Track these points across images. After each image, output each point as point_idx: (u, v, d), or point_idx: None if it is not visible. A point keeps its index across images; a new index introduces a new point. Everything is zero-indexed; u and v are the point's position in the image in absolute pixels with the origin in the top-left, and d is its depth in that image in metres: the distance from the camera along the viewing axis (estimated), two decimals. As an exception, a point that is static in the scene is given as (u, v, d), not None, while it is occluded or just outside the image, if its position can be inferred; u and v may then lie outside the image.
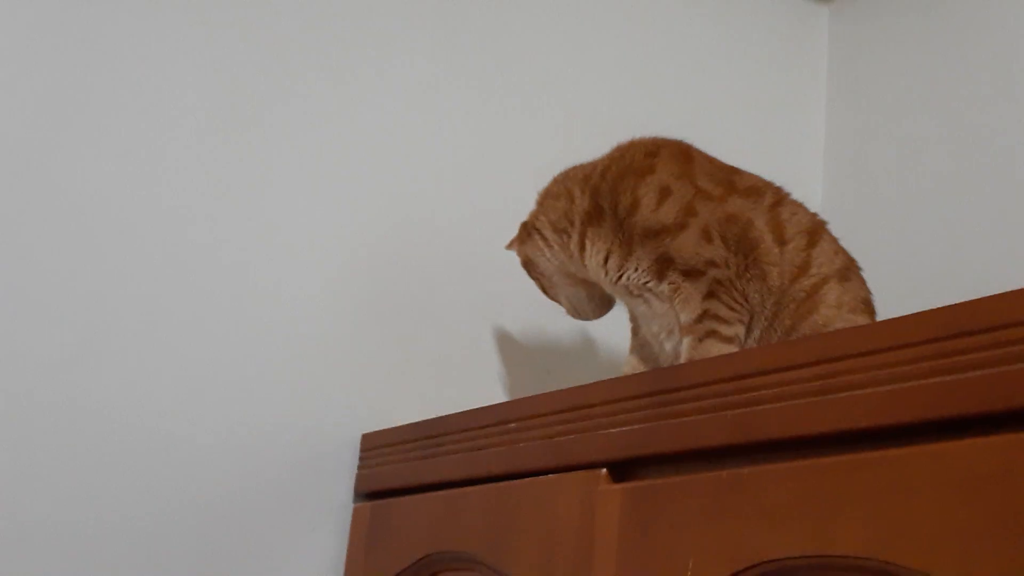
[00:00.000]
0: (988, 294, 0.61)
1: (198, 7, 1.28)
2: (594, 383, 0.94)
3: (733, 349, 0.98)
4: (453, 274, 1.36)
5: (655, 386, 0.85)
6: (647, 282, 1.05)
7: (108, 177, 1.21)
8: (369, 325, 1.31)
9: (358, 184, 1.34)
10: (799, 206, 1.09)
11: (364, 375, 1.29)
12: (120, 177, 1.22)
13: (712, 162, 1.12)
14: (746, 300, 1.01)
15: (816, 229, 1.06)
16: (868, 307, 1.05)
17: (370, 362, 1.30)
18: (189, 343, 1.22)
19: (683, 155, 1.11)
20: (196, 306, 1.23)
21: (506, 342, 1.38)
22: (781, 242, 1.03)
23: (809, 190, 1.60)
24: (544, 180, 1.19)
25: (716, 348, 0.98)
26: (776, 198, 1.08)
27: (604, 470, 0.88)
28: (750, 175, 1.10)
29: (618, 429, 0.88)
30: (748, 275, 1.02)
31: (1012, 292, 0.60)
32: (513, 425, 1.01)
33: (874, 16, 1.59)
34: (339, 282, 1.31)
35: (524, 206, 1.19)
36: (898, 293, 1.16)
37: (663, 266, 1.03)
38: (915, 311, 0.66)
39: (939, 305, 0.64)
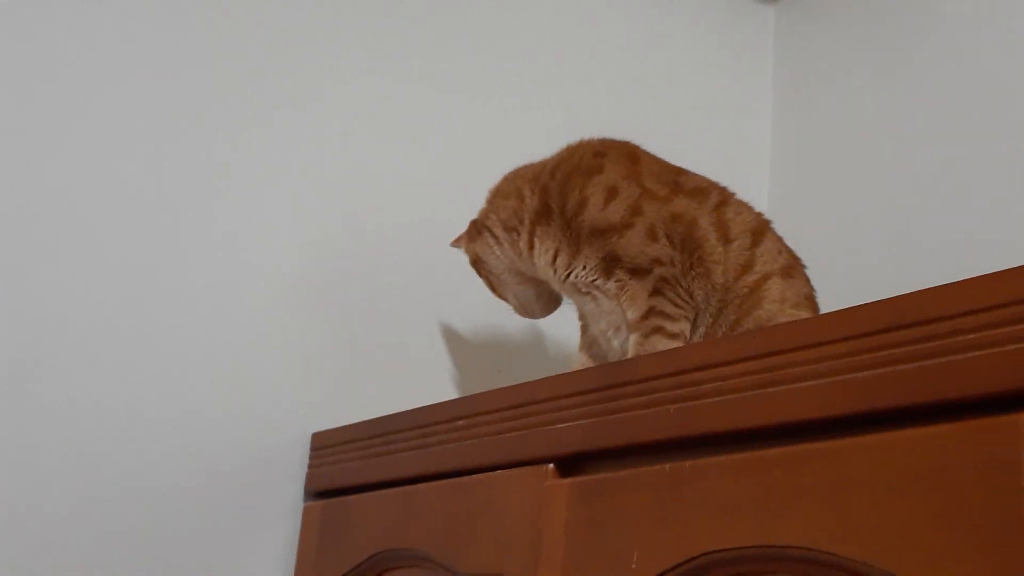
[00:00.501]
0: (934, 281, 0.63)
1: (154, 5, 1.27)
2: (541, 379, 0.95)
3: (679, 344, 0.99)
4: (402, 272, 1.37)
5: (601, 382, 0.86)
6: (595, 280, 1.06)
7: (60, 178, 1.20)
8: (318, 323, 1.31)
9: (308, 183, 1.33)
10: (744, 206, 1.10)
11: (314, 373, 1.29)
12: (73, 176, 1.21)
13: (659, 163, 1.13)
14: (691, 297, 1.02)
15: (760, 228, 1.08)
16: (811, 303, 1.06)
17: (320, 360, 1.30)
18: (137, 341, 1.21)
19: (630, 156, 1.12)
20: (145, 305, 1.22)
21: (456, 339, 1.38)
22: (726, 241, 1.05)
23: (756, 188, 1.62)
24: (487, 178, 1.19)
25: (662, 344, 0.99)
26: (721, 198, 1.09)
27: (552, 465, 0.89)
28: (696, 176, 1.12)
29: (565, 425, 0.88)
30: (693, 273, 1.03)
31: (946, 285, 0.61)
32: (462, 422, 1.02)
33: (819, 16, 1.61)
34: (288, 281, 1.30)
35: (472, 206, 1.20)
36: (844, 288, 1.18)
37: (610, 264, 1.04)
38: (858, 303, 0.67)
39: (881, 295, 0.66)
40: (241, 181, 1.30)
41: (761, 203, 1.61)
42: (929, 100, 1.40)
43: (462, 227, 1.20)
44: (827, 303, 1.18)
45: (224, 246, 1.27)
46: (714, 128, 1.62)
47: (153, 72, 1.27)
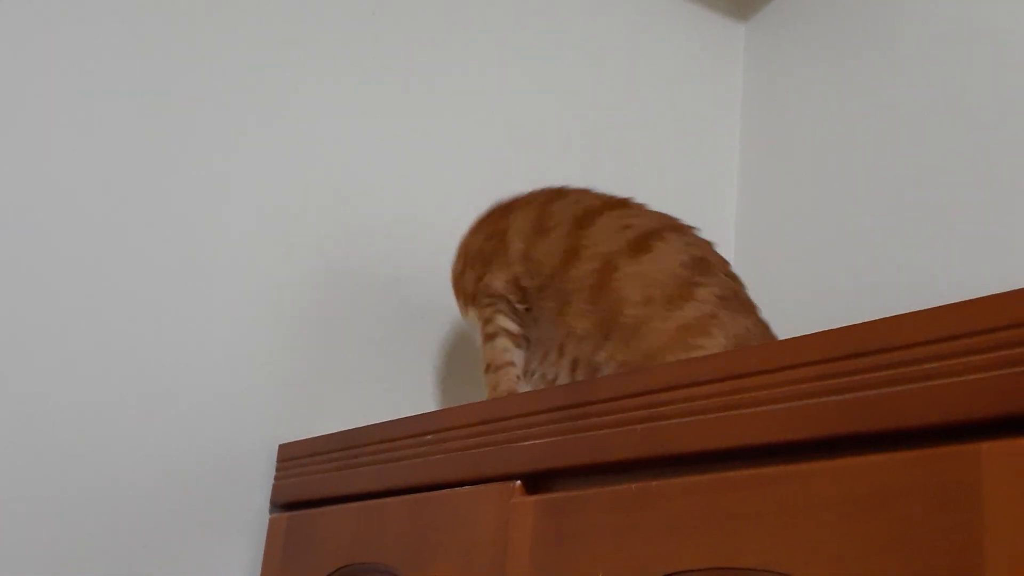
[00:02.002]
0: (900, 306, 0.64)
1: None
2: (510, 396, 0.95)
3: (501, 340, 1.03)
4: (372, 285, 1.37)
5: (568, 400, 0.86)
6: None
7: (25, 180, 1.20)
8: (286, 334, 1.31)
9: (279, 193, 1.33)
10: (587, 194, 1.10)
11: (281, 384, 1.29)
12: (38, 179, 1.20)
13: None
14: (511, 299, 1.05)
15: (587, 215, 1.04)
16: (687, 278, 0.98)
17: (288, 371, 1.30)
18: (101, 348, 1.21)
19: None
20: (111, 312, 1.22)
21: (425, 354, 1.38)
22: (540, 233, 1.05)
23: (723, 204, 1.63)
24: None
25: (489, 346, 1.02)
26: (549, 197, 1.10)
27: (518, 482, 0.89)
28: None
29: (532, 442, 0.89)
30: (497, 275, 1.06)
31: (907, 314, 0.62)
32: (429, 437, 1.02)
33: (789, 34, 1.63)
34: (257, 292, 1.30)
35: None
36: (810, 306, 1.20)
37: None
38: (827, 323, 0.68)
39: (852, 316, 0.66)
40: (213, 188, 1.29)
41: (728, 219, 1.64)
42: (897, 118, 1.42)
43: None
44: (793, 318, 1.20)
45: (193, 253, 1.27)
46: (683, 144, 1.63)
47: (128, 76, 1.26)
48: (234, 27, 1.33)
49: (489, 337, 1.10)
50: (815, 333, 0.67)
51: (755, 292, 1.48)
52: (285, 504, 1.24)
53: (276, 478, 1.26)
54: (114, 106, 1.25)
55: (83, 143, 1.23)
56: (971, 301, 0.59)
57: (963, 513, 0.56)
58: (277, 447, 1.27)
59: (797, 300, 1.38)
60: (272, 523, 1.24)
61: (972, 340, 0.58)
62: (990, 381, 0.57)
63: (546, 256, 1.01)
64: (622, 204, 1.08)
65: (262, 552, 1.24)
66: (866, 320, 0.65)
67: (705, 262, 0.97)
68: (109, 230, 1.23)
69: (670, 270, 0.96)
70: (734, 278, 1.02)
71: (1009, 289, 0.58)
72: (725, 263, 1.03)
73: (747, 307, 1.01)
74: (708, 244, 1.03)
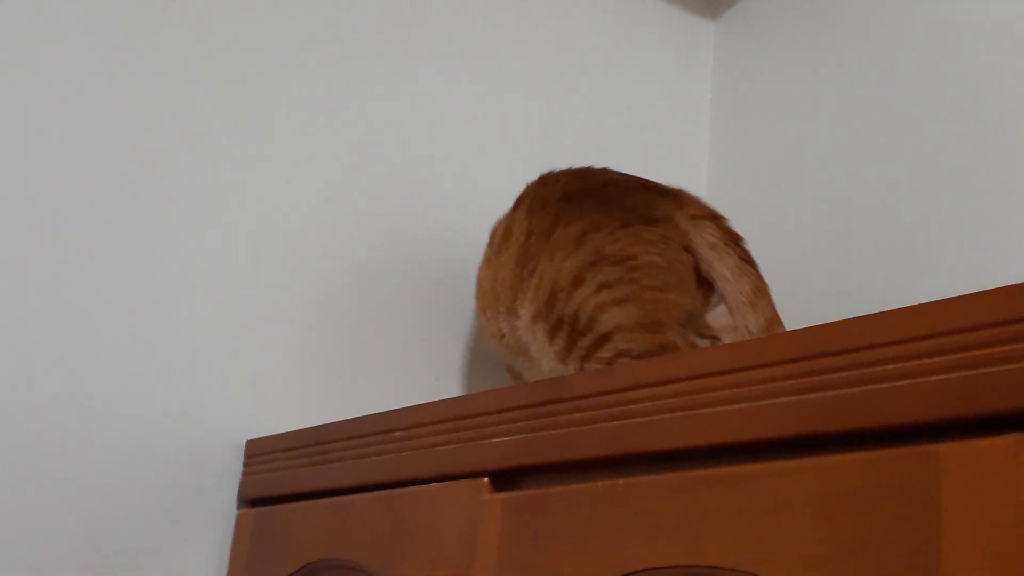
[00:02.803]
0: (871, 304, 0.65)
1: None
2: (479, 393, 0.96)
3: None
4: (341, 280, 1.37)
5: (538, 397, 0.87)
6: None
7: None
8: (255, 328, 1.30)
9: (243, 187, 1.33)
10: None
11: (249, 380, 1.29)
12: (10, 176, 1.20)
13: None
14: None
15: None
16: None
17: (256, 366, 1.29)
18: (66, 345, 1.20)
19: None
20: (77, 305, 1.21)
21: (395, 348, 1.38)
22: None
23: (694, 201, 1.64)
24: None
25: None
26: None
27: (487, 479, 0.90)
28: None
29: (501, 439, 0.89)
30: None
31: (872, 315, 0.63)
32: (399, 433, 1.02)
33: (759, 32, 1.64)
34: (224, 286, 1.30)
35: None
36: (779, 300, 1.20)
37: None
38: (799, 320, 0.69)
39: (821, 311, 0.67)
40: (181, 185, 1.29)
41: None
42: (865, 116, 1.43)
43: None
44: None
45: (162, 250, 1.26)
46: (653, 140, 1.64)
47: (111, 69, 1.25)
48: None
49: None
50: (780, 333, 0.68)
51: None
52: (252, 500, 1.24)
53: (243, 474, 1.26)
54: (97, 110, 1.24)
55: (62, 134, 1.22)
56: (932, 303, 0.60)
57: (922, 514, 0.57)
58: (245, 442, 1.27)
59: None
60: (239, 519, 1.24)
61: (933, 342, 0.59)
62: (950, 383, 0.58)
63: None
64: None
65: (229, 548, 1.24)
66: (833, 316, 0.66)
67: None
68: (84, 229, 1.22)
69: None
70: None
71: (975, 281, 0.59)
72: None
73: None
74: None
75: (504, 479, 0.89)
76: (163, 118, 1.28)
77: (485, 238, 1.27)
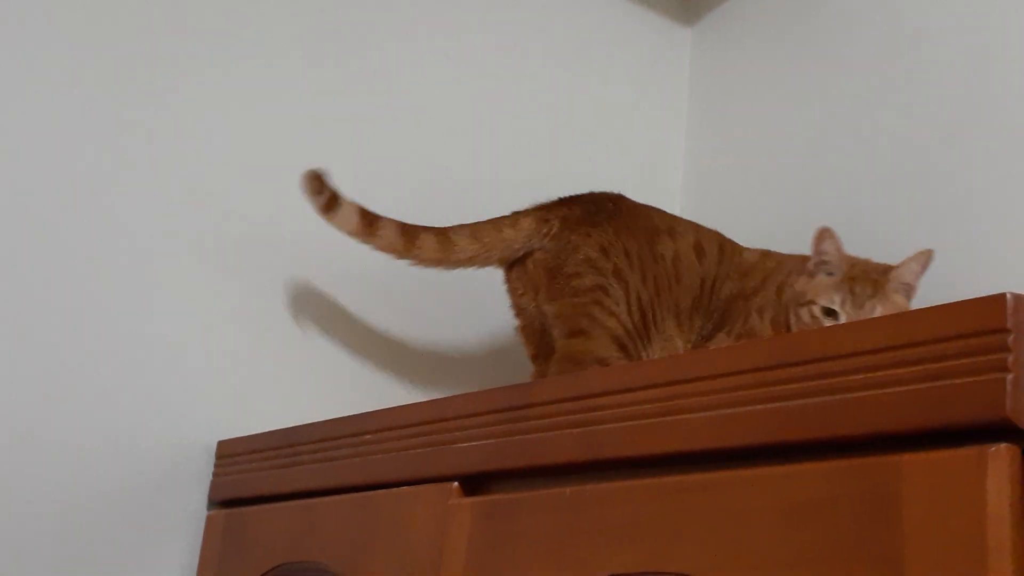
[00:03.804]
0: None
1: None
2: (449, 397, 0.96)
3: None
4: (314, 283, 1.36)
5: (508, 403, 0.87)
6: None
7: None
8: (226, 331, 1.30)
9: (217, 184, 1.32)
10: None
11: (221, 381, 1.28)
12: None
13: None
14: None
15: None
16: None
17: (228, 368, 1.29)
18: (38, 343, 1.19)
19: None
20: (47, 307, 1.20)
21: (368, 352, 1.38)
22: None
23: (668, 204, 1.65)
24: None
25: None
26: None
27: (456, 484, 0.90)
28: None
29: (470, 444, 0.89)
30: None
31: (837, 326, 0.64)
32: (369, 437, 1.02)
33: (735, 38, 1.65)
34: (196, 289, 1.29)
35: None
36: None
37: None
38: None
39: (779, 335, 0.68)
40: (150, 177, 1.28)
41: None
42: (841, 121, 1.44)
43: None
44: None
45: (127, 248, 1.26)
46: (630, 144, 1.65)
47: (68, 66, 1.25)
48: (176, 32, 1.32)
49: None
50: (745, 343, 0.69)
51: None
52: (223, 501, 1.24)
53: (214, 475, 1.25)
54: (50, 111, 1.24)
55: (36, 134, 1.22)
56: (896, 316, 0.60)
57: (884, 523, 0.57)
58: (216, 444, 1.26)
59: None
60: (210, 520, 1.24)
61: (897, 354, 0.59)
62: (913, 394, 0.58)
63: None
64: None
65: (199, 549, 1.24)
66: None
67: None
68: (46, 230, 1.22)
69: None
70: None
71: (944, 291, 0.59)
72: None
73: None
74: None
75: (474, 483, 0.89)
76: (138, 118, 1.28)
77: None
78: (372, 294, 1.39)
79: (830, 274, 1.12)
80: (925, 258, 1.11)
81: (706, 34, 1.70)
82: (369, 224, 1.17)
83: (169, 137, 1.30)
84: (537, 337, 1.19)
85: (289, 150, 1.37)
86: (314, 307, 1.36)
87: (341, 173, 1.43)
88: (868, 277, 1.11)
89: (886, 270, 1.12)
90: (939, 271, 1.12)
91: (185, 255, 1.29)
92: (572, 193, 1.22)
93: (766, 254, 1.25)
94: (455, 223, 1.21)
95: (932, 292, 1.10)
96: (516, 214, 1.19)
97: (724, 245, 1.24)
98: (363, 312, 1.38)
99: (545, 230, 1.17)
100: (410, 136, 1.47)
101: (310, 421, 1.13)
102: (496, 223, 1.18)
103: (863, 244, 1.35)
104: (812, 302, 1.10)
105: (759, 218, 1.53)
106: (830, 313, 1.09)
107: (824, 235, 1.14)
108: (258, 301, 1.33)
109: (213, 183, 1.32)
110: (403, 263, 1.21)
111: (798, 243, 1.45)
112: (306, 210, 1.37)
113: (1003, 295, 0.56)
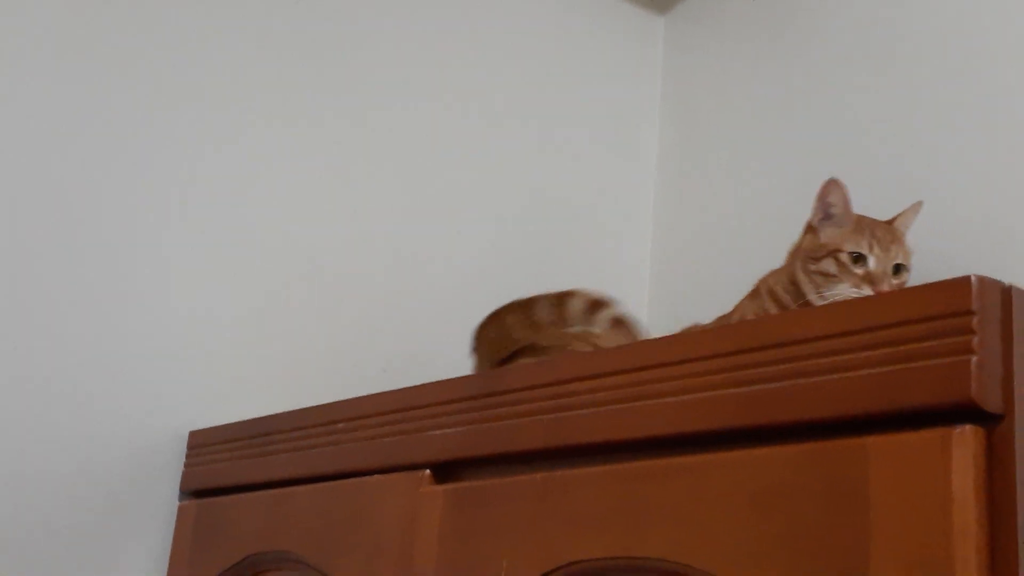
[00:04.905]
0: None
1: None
2: (421, 385, 0.96)
3: None
4: (286, 272, 1.36)
5: (479, 390, 0.87)
6: None
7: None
8: (197, 320, 1.29)
9: (188, 176, 1.32)
10: None
11: (193, 371, 1.28)
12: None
13: None
14: None
15: None
16: None
17: (199, 358, 1.29)
18: (8, 334, 1.18)
19: None
20: (18, 297, 1.19)
21: (341, 340, 1.38)
22: None
23: (642, 194, 1.65)
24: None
25: None
26: None
27: (428, 471, 0.90)
28: None
29: (442, 431, 0.89)
30: None
31: (801, 311, 0.64)
32: (341, 425, 1.02)
33: (707, 27, 1.65)
34: (169, 279, 1.28)
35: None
36: (727, 300, 1.22)
37: None
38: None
39: (746, 320, 0.68)
40: (127, 180, 1.27)
41: (647, 211, 1.66)
42: (815, 110, 1.45)
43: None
44: (708, 311, 1.22)
45: (97, 239, 1.25)
46: (603, 133, 1.65)
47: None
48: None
49: None
50: (712, 328, 0.69)
51: (671, 285, 1.50)
52: (195, 491, 1.23)
53: (186, 465, 1.25)
54: (40, 108, 1.23)
55: (17, 143, 1.21)
56: (860, 300, 0.61)
57: (851, 506, 0.58)
58: (188, 433, 1.26)
59: (713, 292, 1.40)
60: (181, 510, 1.23)
61: (860, 337, 0.60)
62: (877, 378, 0.59)
63: None
64: None
65: (171, 539, 1.23)
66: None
67: None
68: (26, 220, 1.21)
69: None
70: None
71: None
72: None
73: None
74: None
75: (445, 471, 0.89)
76: (128, 115, 1.27)
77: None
78: (343, 284, 1.39)
79: (841, 226, 1.10)
80: (916, 209, 1.12)
81: (678, 23, 1.70)
82: None
83: (160, 139, 1.29)
84: None
85: (275, 149, 1.37)
86: (285, 297, 1.35)
87: (320, 175, 1.42)
88: (879, 224, 1.10)
89: (891, 220, 1.12)
90: (920, 258, 1.13)
91: (156, 246, 1.28)
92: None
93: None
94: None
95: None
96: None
97: None
98: (338, 299, 1.38)
99: None
100: (386, 146, 1.46)
101: (282, 410, 1.13)
102: None
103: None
104: (838, 249, 1.08)
105: (732, 206, 1.53)
106: (858, 259, 1.07)
107: (831, 186, 1.12)
108: (229, 291, 1.32)
109: (193, 179, 1.31)
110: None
111: (777, 239, 1.46)
112: (275, 201, 1.37)
113: (968, 277, 0.57)
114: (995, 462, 0.56)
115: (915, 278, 1.10)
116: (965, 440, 0.56)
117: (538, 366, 0.84)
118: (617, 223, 1.62)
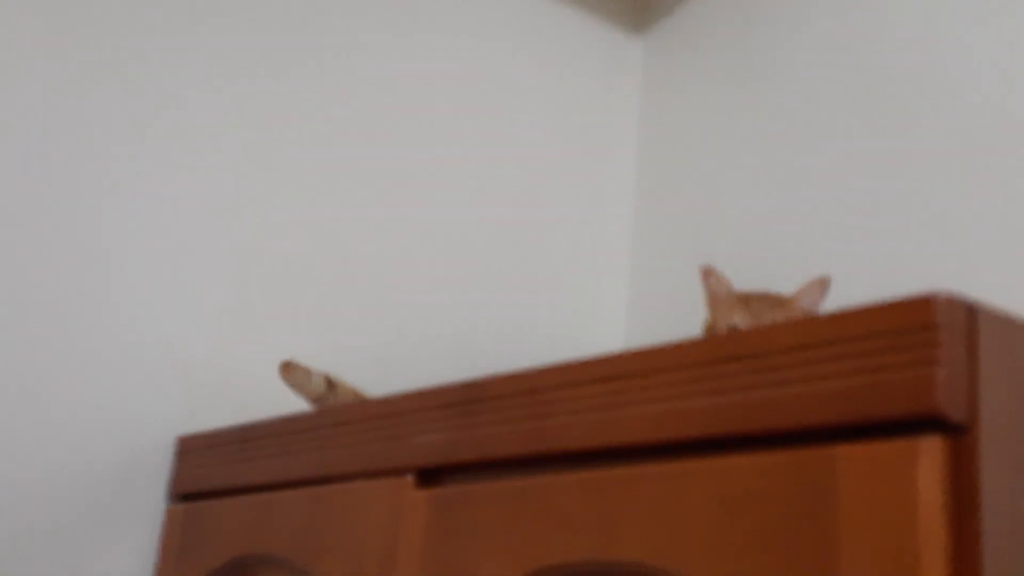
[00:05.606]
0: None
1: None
2: (403, 392, 0.97)
3: None
4: (271, 280, 1.37)
5: (462, 397, 0.89)
6: None
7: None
8: (185, 326, 1.30)
9: (176, 183, 1.33)
10: None
11: (181, 377, 1.29)
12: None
13: None
14: None
15: None
16: None
17: (187, 363, 1.30)
18: (-3, 341, 1.20)
19: None
20: (3, 299, 1.20)
21: (328, 348, 1.39)
22: None
23: (620, 219, 1.66)
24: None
25: None
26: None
27: (411, 476, 0.91)
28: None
29: (426, 437, 0.91)
30: None
31: (774, 325, 0.65)
32: (325, 431, 1.03)
33: (686, 47, 1.66)
34: (156, 282, 1.30)
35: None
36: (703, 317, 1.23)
37: None
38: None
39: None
40: (112, 182, 1.28)
41: (625, 230, 1.67)
42: (792, 130, 1.46)
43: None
44: (684, 325, 1.24)
45: (85, 243, 1.26)
46: (581, 154, 1.66)
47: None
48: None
49: None
50: (689, 339, 0.70)
51: (651, 303, 1.52)
52: (182, 495, 1.25)
53: (174, 470, 1.26)
54: (28, 107, 1.23)
55: (17, 129, 1.22)
56: (831, 313, 0.62)
57: (820, 515, 0.59)
58: (175, 439, 1.27)
59: (690, 312, 1.41)
60: (169, 514, 1.24)
61: (831, 349, 0.61)
62: (847, 388, 0.60)
63: None
64: None
65: (158, 543, 1.24)
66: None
67: None
68: (11, 224, 1.22)
69: None
70: None
71: (882, 295, 0.61)
72: None
73: None
74: None
75: (428, 476, 0.91)
76: (112, 118, 1.28)
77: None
78: (328, 291, 1.40)
79: (721, 303, 1.17)
80: (823, 284, 1.14)
81: (657, 42, 1.72)
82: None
83: (150, 140, 1.30)
84: None
85: (262, 150, 1.38)
86: (271, 304, 1.37)
87: (303, 173, 1.43)
88: (762, 297, 1.15)
89: (782, 298, 1.15)
90: (898, 276, 1.14)
91: (146, 250, 1.29)
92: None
93: None
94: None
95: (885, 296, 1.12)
96: None
97: None
98: (324, 306, 1.39)
99: None
100: (351, 161, 1.47)
101: (268, 417, 1.14)
102: None
103: (831, 253, 1.37)
104: (715, 325, 1.14)
105: (711, 226, 1.55)
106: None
107: (704, 274, 1.19)
108: (218, 296, 1.33)
109: (176, 179, 1.32)
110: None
111: (751, 253, 1.48)
112: (260, 210, 1.38)
113: (934, 293, 0.58)
114: (960, 471, 0.58)
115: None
116: (931, 450, 0.58)
117: (519, 375, 0.86)
118: (594, 240, 1.63)
